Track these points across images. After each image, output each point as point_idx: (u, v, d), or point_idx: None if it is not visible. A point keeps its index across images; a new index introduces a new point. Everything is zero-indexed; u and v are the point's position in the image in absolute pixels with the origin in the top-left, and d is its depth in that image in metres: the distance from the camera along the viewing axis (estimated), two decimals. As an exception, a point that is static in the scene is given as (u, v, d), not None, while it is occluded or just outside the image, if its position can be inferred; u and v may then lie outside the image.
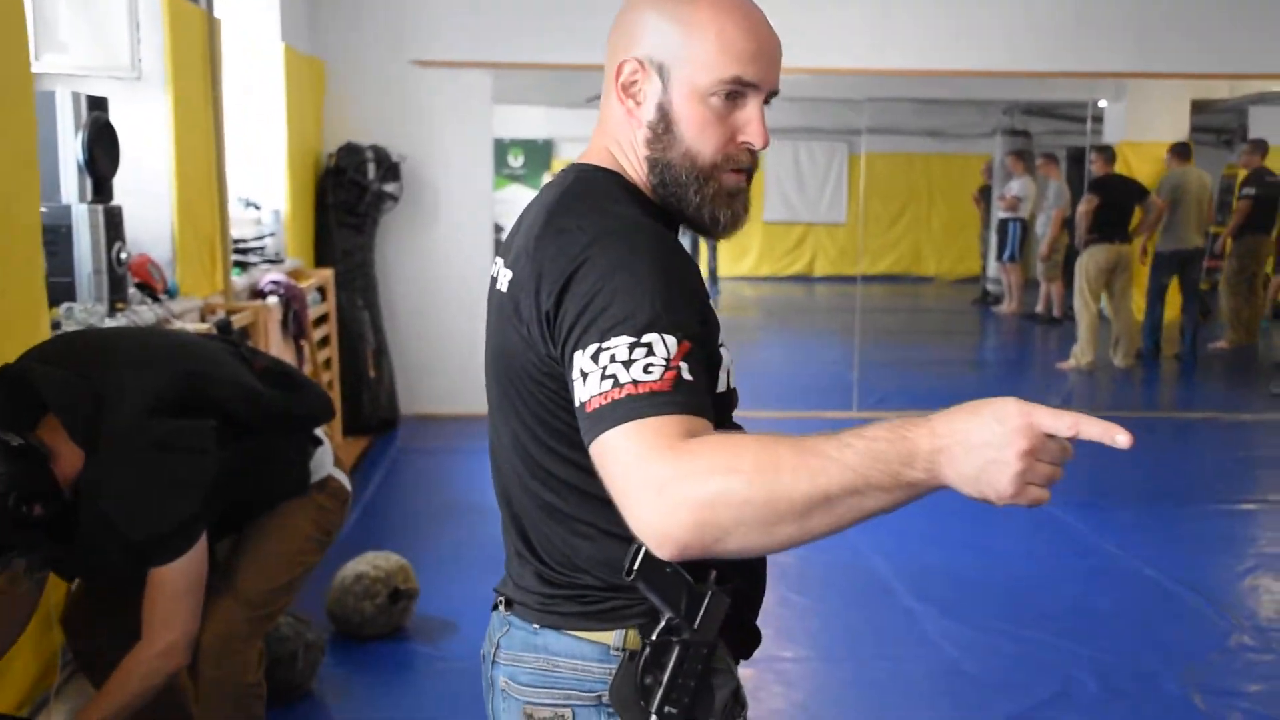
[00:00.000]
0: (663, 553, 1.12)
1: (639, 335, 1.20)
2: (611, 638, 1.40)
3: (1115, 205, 8.99)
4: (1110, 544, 5.06)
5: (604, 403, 1.18)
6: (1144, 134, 10.72)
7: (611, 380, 1.18)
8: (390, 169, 7.02)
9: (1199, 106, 11.59)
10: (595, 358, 1.20)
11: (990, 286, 13.22)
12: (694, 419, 1.16)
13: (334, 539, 2.93)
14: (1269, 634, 4.10)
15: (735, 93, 1.38)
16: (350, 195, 6.86)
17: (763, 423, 7.10)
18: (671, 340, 1.20)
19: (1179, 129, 11.06)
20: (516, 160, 14.56)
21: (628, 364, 1.18)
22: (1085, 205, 9.10)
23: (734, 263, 15.58)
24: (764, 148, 1.40)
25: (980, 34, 7.42)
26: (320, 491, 2.83)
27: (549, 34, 7.09)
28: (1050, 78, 8.98)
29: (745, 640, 1.52)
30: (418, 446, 6.75)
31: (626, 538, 1.20)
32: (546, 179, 1.56)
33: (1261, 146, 9.76)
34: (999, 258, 12.64)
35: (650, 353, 1.19)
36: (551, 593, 1.45)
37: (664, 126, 1.39)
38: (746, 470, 1.09)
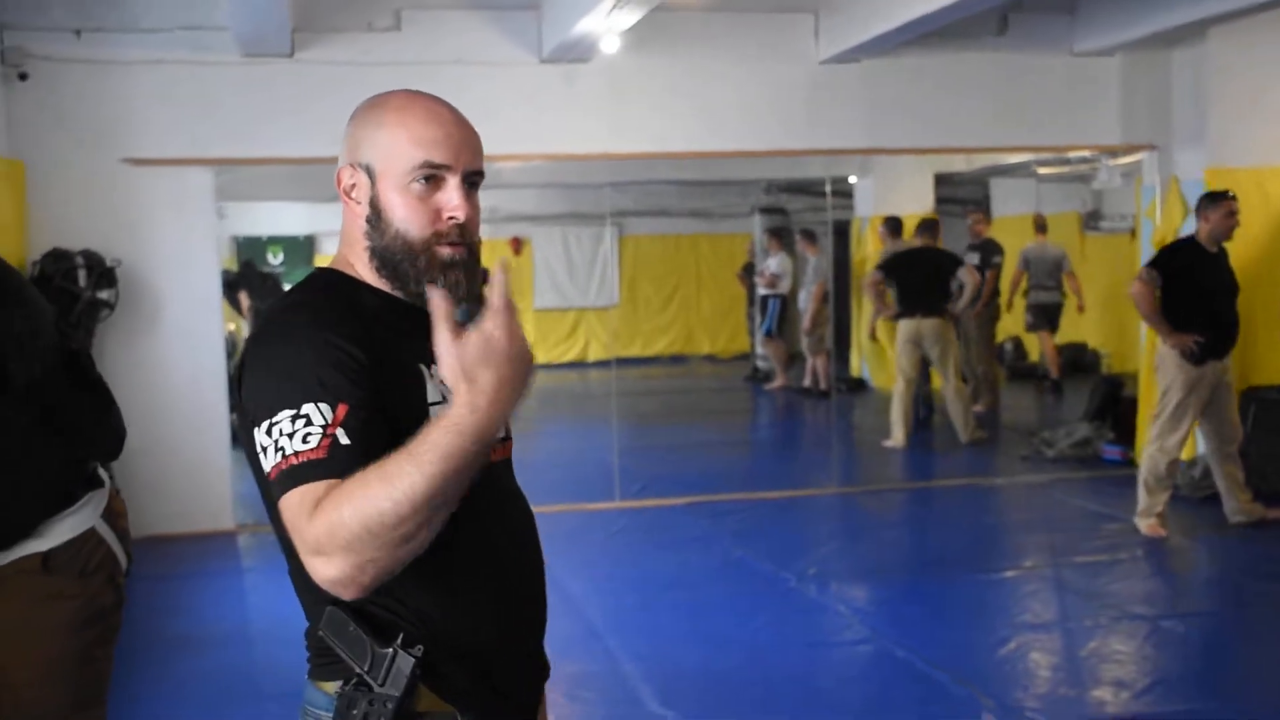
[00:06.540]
0: (347, 596, 1.39)
1: (298, 408, 1.43)
2: (333, 687, 1.55)
3: (917, 278, 8.90)
4: (865, 625, 4.96)
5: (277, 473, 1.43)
6: (893, 208, 11.06)
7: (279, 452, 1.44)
8: (104, 275, 6.51)
9: (941, 180, 12.07)
10: (268, 432, 1.45)
11: (760, 363, 13.34)
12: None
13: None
14: (1018, 712, 4.02)
15: (431, 176, 1.57)
16: (61, 304, 6.29)
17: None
18: (326, 407, 1.43)
19: (924, 201, 11.47)
20: (276, 257, 14.00)
21: (290, 435, 1.42)
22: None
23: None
24: (466, 219, 1.58)
25: (716, 116, 7.43)
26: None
27: (278, 127, 6.77)
28: (789, 156, 9.14)
29: (494, 700, 1.63)
30: (145, 572, 6.16)
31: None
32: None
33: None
34: (762, 334, 12.78)
35: (309, 423, 1.42)
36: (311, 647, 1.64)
37: (376, 217, 1.60)
38: (356, 514, 1.33)
